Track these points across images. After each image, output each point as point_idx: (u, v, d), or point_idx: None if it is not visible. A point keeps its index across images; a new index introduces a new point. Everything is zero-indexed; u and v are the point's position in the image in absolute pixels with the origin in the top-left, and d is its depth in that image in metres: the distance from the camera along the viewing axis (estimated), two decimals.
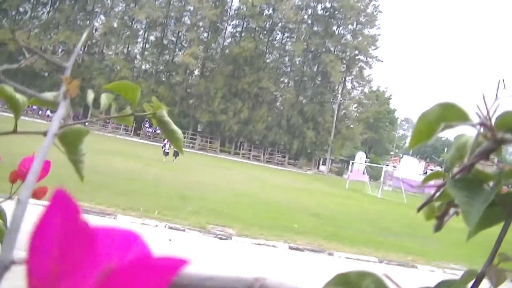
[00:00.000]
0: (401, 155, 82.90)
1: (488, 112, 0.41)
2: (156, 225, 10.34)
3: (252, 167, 42.87)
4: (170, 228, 10.35)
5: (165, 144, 31.02)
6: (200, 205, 13.44)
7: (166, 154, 30.33)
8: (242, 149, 58.92)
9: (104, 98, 0.68)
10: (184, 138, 40.78)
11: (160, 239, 9.14)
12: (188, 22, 57.04)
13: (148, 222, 10.40)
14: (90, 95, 0.70)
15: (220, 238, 10.32)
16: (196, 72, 58.58)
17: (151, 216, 10.82)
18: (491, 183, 0.46)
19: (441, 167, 67.87)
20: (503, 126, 0.42)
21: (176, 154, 30.49)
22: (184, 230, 10.32)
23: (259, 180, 27.90)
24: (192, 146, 53.45)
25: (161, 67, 58.25)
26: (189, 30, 55.99)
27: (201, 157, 42.93)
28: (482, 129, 0.44)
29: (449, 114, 0.45)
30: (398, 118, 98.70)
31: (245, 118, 55.19)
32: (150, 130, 55.31)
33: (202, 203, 13.97)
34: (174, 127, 0.73)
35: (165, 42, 58.61)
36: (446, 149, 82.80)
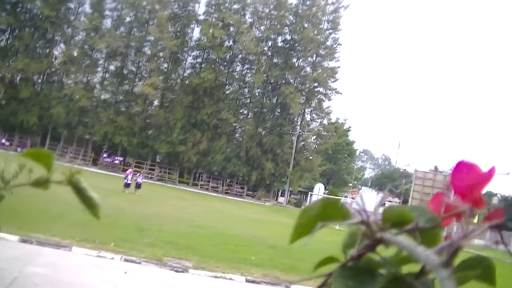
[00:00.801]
0: (359, 187, 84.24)
1: (367, 210, 0.41)
2: (112, 258, 10.32)
3: (210, 198, 42.88)
4: (126, 260, 10.33)
5: (128, 175, 30.51)
6: (157, 237, 13.41)
7: (128, 185, 29.78)
8: (201, 180, 58.88)
9: (15, 167, 0.66)
10: (143, 168, 40.68)
11: (116, 272, 9.13)
12: (149, 52, 57.61)
13: (104, 254, 10.38)
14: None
15: (177, 271, 10.33)
16: (155, 103, 58.77)
17: (107, 248, 10.80)
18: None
19: (399, 199, 69.04)
20: (388, 220, 0.42)
21: (138, 187, 30.10)
22: (140, 263, 10.32)
23: (217, 211, 27.92)
24: (150, 177, 52.94)
25: (120, 97, 58.16)
26: (149, 60, 56.51)
27: (160, 188, 42.76)
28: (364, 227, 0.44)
29: (330, 212, 0.45)
30: (356, 149, 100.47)
31: (204, 149, 55.28)
32: (109, 160, 54.93)
33: (160, 234, 13.94)
34: (91, 194, 0.70)
35: (125, 72, 58.72)
36: (404, 180, 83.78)
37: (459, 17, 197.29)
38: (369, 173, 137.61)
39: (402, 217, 0.42)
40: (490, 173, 0.47)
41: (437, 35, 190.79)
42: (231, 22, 57.45)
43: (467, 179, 0.49)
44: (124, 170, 40.57)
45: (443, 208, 0.52)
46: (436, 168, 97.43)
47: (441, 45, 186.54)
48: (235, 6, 59.54)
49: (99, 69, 58.98)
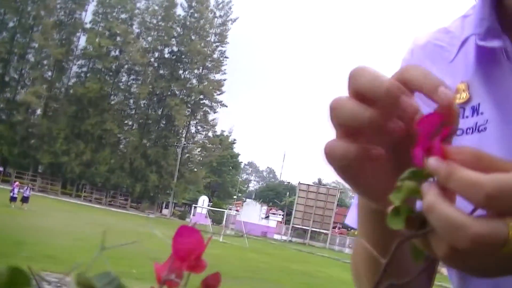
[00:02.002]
0: (244, 199, 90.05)
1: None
2: None
3: (93, 210, 44.96)
4: None
5: (14, 188, 31.21)
6: (36, 251, 13.67)
7: (14, 199, 30.51)
8: (84, 192, 61.29)
9: None
10: (24, 179, 43.94)
11: None
12: (32, 59, 59.30)
13: None
14: None
15: (55, 286, 10.89)
16: (38, 112, 60.18)
17: None
18: None
19: (283, 211, 75.54)
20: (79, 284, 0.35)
21: (25, 200, 30.85)
22: None
23: (100, 224, 28.60)
24: (32, 188, 54.16)
25: (1, 105, 59.15)
26: (33, 68, 58.33)
27: (41, 199, 44.21)
28: None
29: (15, 279, 0.36)
30: (241, 162, 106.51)
31: (88, 160, 57.89)
32: None
33: (38, 248, 14.24)
34: None
35: (6, 79, 59.61)
36: (288, 193, 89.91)
37: (342, 33, 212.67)
38: (254, 186, 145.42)
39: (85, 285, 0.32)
40: (209, 240, 0.39)
41: (321, 47, 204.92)
42: (118, 32, 60.76)
43: (187, 243, 0.46)
44: (4, 181, 41.97)
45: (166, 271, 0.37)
46: (319, 181, 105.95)
47: (324, 56, 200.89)
48: (123, 16, 63.19)
49: None
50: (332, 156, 0.54)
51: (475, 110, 0.81)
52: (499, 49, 0.77)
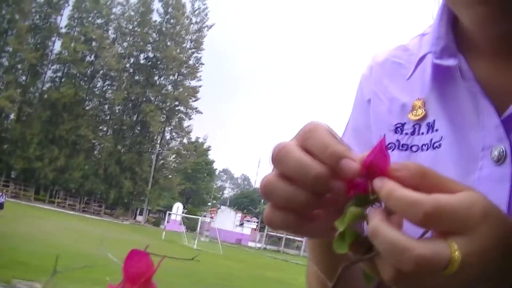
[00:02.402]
0: (218, 206, 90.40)
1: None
2: None
3: (67, 216, 44.72)
4: None
5: None
6: (8, 258, 13.43)
7: None
8: (58, 198, 60.83)
9: None
10: None
11: None
12: (6, 63, 58.84)
13: None
14: None
15: None
16: (12, 116, 60.13)
17: None
18: None
19: (258, 218, 75.88)
20: None
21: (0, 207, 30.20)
22: None
23: (73, 230, 28.57)
24: (5, 194, 54.07)
25: None
26: (6, 72, 57.75)
27: (14, 205, 43.16)
28: None
29: None
30: (216, 169, 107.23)
31: (62, 165, 57.71)
32: None
33: (10, 255, 13.97)
34: None
35: None
36: (262, 200, 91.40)
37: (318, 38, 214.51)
38: (228, 193, 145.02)
39: None
40: (159, 263, 0.38)
41: (296, 54, 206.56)
42: (94, 37, 60.96)
43: (137, 267, 0.56)
44: None
45: None
46: None
47: (298, 63, 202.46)
48: (99, 21, 63.35)
49: None
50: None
51: (431, 127, 0.83)
52: (454, 68, 0.79)
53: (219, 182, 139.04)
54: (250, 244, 63.71)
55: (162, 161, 68.52)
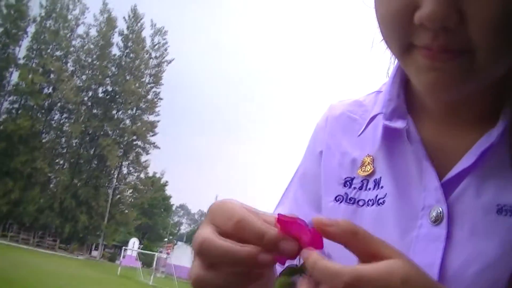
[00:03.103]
0: (175, 242, 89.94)
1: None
2: None
3: (20, 251, 43.49)
4: None
5: None
6: None
7: None
8: (11, 232, 59.43)
9: None
10: None
11: None
12: None
13: None
14: None
15: None
16: None
17: None
18: None
19: None
20: None
21: None
22: None
23: (26, 265, 27.81)
24: None
25: None
26: None
27: None
28: None
29: None
30: (173, 204, 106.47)
31: (16, 198, 56.48)
32: None
33: None
34: None
35: None
36: None
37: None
38: (185, 228, 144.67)
39: None
40: None
41: (252, 91, 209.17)
42: (52, 69, 60.69)
43: None
44: None
45: None
46: None
47: (256, 100, 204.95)
48: (58, 53, 63.24)
49: None
50: (200, 285, 0.60)
51: (377, 183, 0.86)
52: (402, 130, 0.83)
53: (176, 218, 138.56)
54: None
55: (118, 196, 67.81)
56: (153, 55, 70.42)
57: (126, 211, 67.98)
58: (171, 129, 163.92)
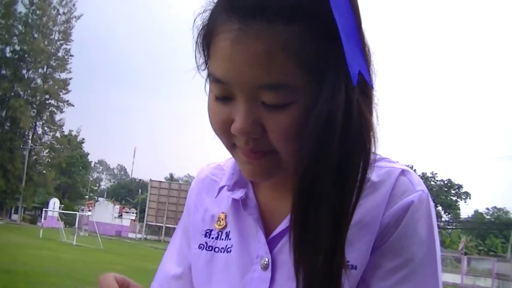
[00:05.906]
0: (96, 199, 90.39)
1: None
2: None
3: None
4: None
5: None
6: None
7: None
8: None
9: None
10: None
11: None
12: None
13: None
14: None
15: None
16: None
17: None
18: None
19: (136, 209, 76.62)
20: None
21: None
22: None
23: None
24: None
25: None
26: None
27: None
28: None
29: None
30: (91, 161, 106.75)
31: None
32: None
33: None
34: None
35: None
36: (140, 190, 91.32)
37: None
38: (105, 184, 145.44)
39: None
40: None
41: (166, 41, 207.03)
42: None
43: None
44: None
45: None
46: (171, 176, 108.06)
47: (169, 51, 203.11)
48: None
49: None
50: None
51: (227, 235, 1.09)
52: (238, 200, 1.07)
53: (95, 174, 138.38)
54: (130, 235, 65.25)
55: (35, 157, 67.85)
56: (61, 11, 68.95)
57: (44, 171, 68.08)
58: (84, 86, 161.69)
